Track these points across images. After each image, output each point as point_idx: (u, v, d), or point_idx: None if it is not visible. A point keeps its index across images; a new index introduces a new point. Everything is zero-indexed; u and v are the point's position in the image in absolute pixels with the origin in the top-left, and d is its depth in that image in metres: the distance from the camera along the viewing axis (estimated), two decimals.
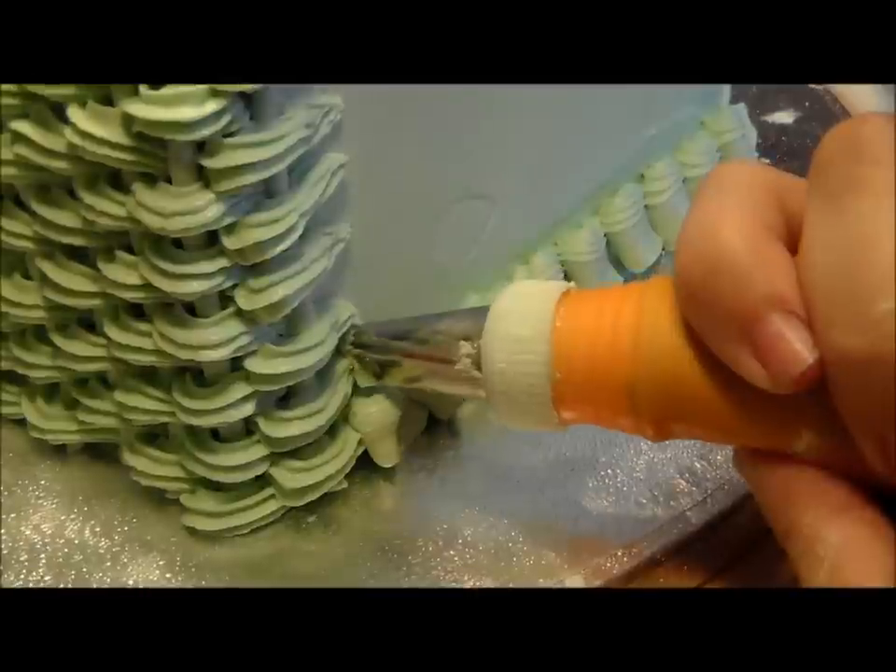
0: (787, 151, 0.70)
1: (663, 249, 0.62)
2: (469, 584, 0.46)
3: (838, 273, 0.33)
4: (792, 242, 0.36)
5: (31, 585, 0.46)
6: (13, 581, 0.46)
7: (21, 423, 0.52)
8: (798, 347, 0.34)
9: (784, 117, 0.72)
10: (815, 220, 0.35)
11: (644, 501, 0.49)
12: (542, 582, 0.46)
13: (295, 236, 0.44)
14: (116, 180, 0.43)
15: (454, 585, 0.46)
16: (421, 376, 0.47)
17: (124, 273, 0.44)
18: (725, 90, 0.66)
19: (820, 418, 0.36)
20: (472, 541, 0.48)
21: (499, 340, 0.42)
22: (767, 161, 0.69)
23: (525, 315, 0.42)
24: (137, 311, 0.46)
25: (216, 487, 0.48)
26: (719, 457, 0.50)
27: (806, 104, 0.73)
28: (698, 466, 0.50)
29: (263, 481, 0.48)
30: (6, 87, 0.43)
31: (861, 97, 0.73)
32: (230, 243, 0.43)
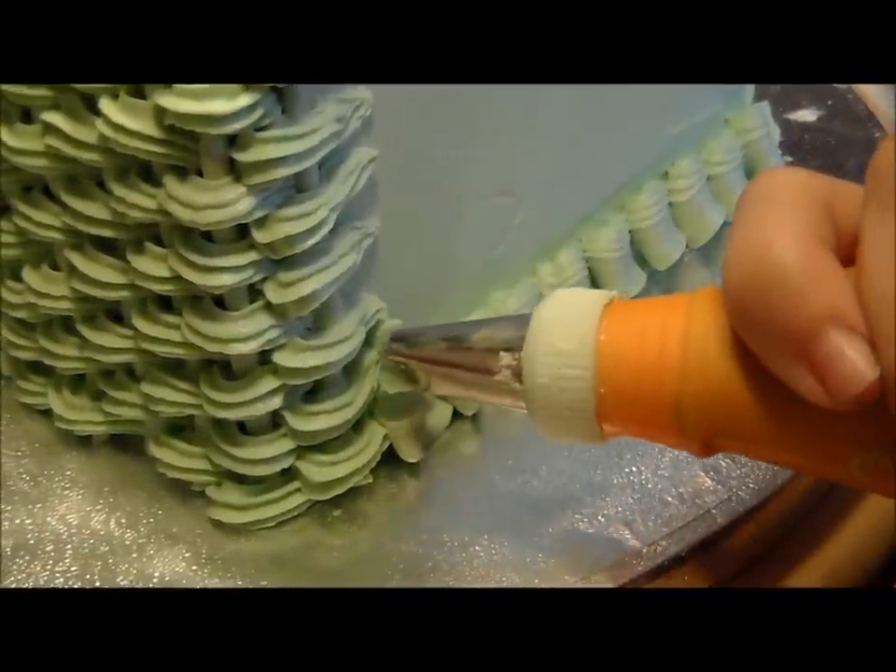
0: (810, 150, 0.70)
1: (686, 246, 0.62)
2: (493, 580, 0.46)
3: None
4: (842, 248, 0.35)
5: (57, 576, 0.47)
6: (39, 571, 0.47)
7: (47, 413, 0.52)
8: (858, 364, 0.33)
9: (807, 115, 0.72)
10: (872, 231, 0.34)
11: (669, 499, 0.49)
12: (567, 579, 0.46)
13: (325, 230, 0.44)
14: (147, 172, 0.43)
15: (479, 581, 0.46)
16: (458, 385, 0.46)
17: (153, 266, 0.44)
18: (749, 88, 0.66)
19: (878, 434, 0.35)
20: (497, 537, 0.48)
21: (542, 353, 0.41)
22: (790, 158, 0.68)
23: (569, 328, 0.40)
24: (166, 303, 0.46)
25: (241, 480, 0.48)
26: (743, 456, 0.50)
27: (829, 102, 0.73)
28: (723, 464, 0.50)
29: (289, 474, 0.49)
30: None
31: (885, 96, 0.73)
32: (260, 236, 0.43)
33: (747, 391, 0.37)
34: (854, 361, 0.33)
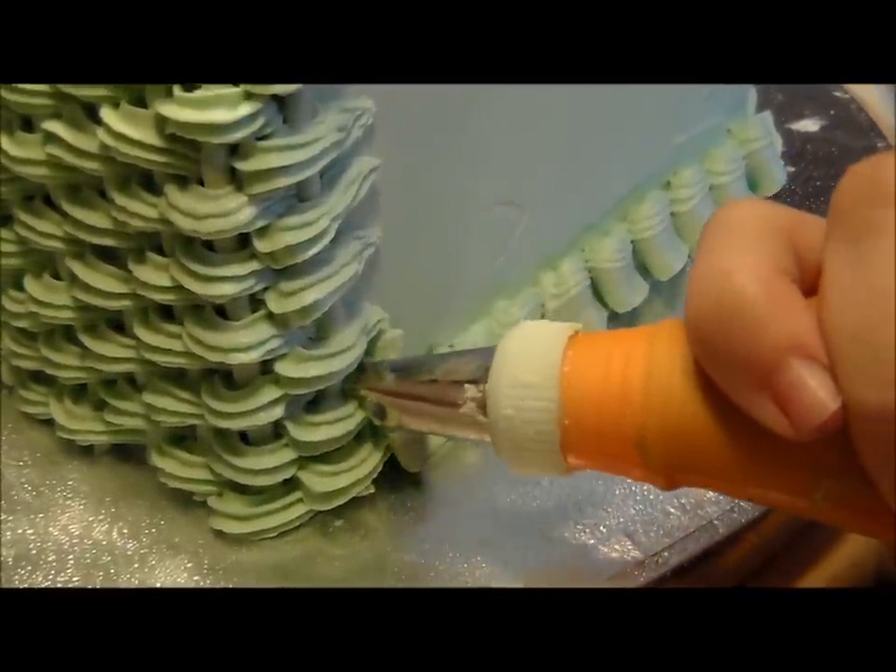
0: (812, 159, 0.70)
1: (688, 256, 0.62)
2: None
3: (858, 324, 0.32)
4: (805, 280, 0.35)
5: (59, 586, 0.46)
6: (41, 581, 0.47)
7: (48, 423, 0.52)
8: (820, 394, 0.33)
9: (809, 125, 0.72)
10: (834, 266, 0.34)
11: (671, 510, 0.49)
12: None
13: (326, 240, 0.44)
14: (148, 181, 0.43)
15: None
16: (424, 419, 0.46)
17: (155, 275, 0.44)
18: (752, 98, 0.66)
19: (841, 463, 0.34)
20: (499, 547, 0.48)
21: (506, 385, 0.41)
22: (793, 168, 0.68)
23: (533, 360, 0.40)
24: (167, 312, 0.46)
25: (243, 490, 0.48)
26: None
27: (832, 112, 0.73)
28: None
29: (291, 484, 0.48)
30: (38, 87, 0.43)
31: (887, 106, 0.73)
32: (261, 246, 0.43)
33: (709, 424, 0.36)
34: (816, 391, 0.33)
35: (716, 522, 0.48)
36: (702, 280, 0.35)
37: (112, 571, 0.47)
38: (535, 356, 0.40)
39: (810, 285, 0.35)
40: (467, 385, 0.43)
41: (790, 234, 0.36)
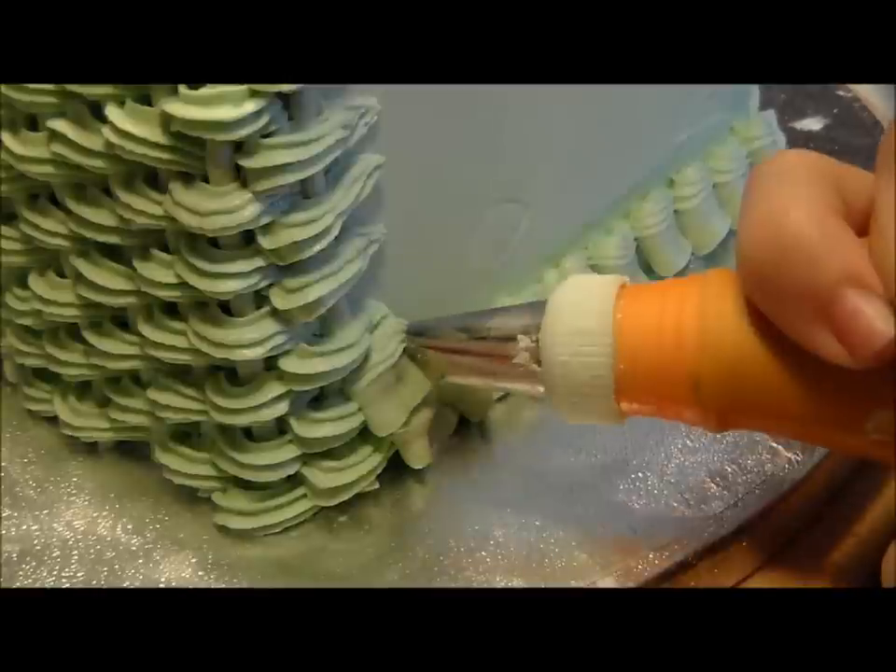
0: None
1: (692, 254, 0.62)
2: (500, 585, 0.46)
3: None
4: (852, 224, 0.37)
5: (64, 581, 0.46)
6: (46, 577, 0.47)
7: (52, 420, 0.52)
8: (878, 323, 0.35)
9: (812, 123, 0.72)
10: (883, 201, 0.36)
11: (675, 504, 0.49)
12: (574, 584, 0.46)
13: (331, 237, 0.44)
14: (153, 179, 0.43)
15: (485, 586, 0.46)
16: (476, 373, 0.47)
17: (160, 272, 0.45)
18: (755, 96, 0.66)
19: (893, 393, 0.36)
20: (504, 542, 0.48)
21: (561, 333, 0.42)
22: None
23: (586, 308, 0.42)
24: (172, 309, 0.46)
25: (247, 486, 0.48)
26: (749, 461, 0.50)
27: (835, 111, 0.73)
28: (729, 469, 0.50)
29: (295, 480, 0.48)
30: (43, 85, 0.43)
31: (890, 105, 0.73)
32: (266, 242, 0.43)
33: (765, 361, 0.38)
34: (873, 319, 0.35)
35: (720, 516, 0.48)
36: (756, 220, 0.37)
37: (116, 567, 0.47)
38: (588, 304, 0.42)
39: (857, 229, 0.37)
40: (520, 336, 0.44)
41: (836, 180, 0.38)
